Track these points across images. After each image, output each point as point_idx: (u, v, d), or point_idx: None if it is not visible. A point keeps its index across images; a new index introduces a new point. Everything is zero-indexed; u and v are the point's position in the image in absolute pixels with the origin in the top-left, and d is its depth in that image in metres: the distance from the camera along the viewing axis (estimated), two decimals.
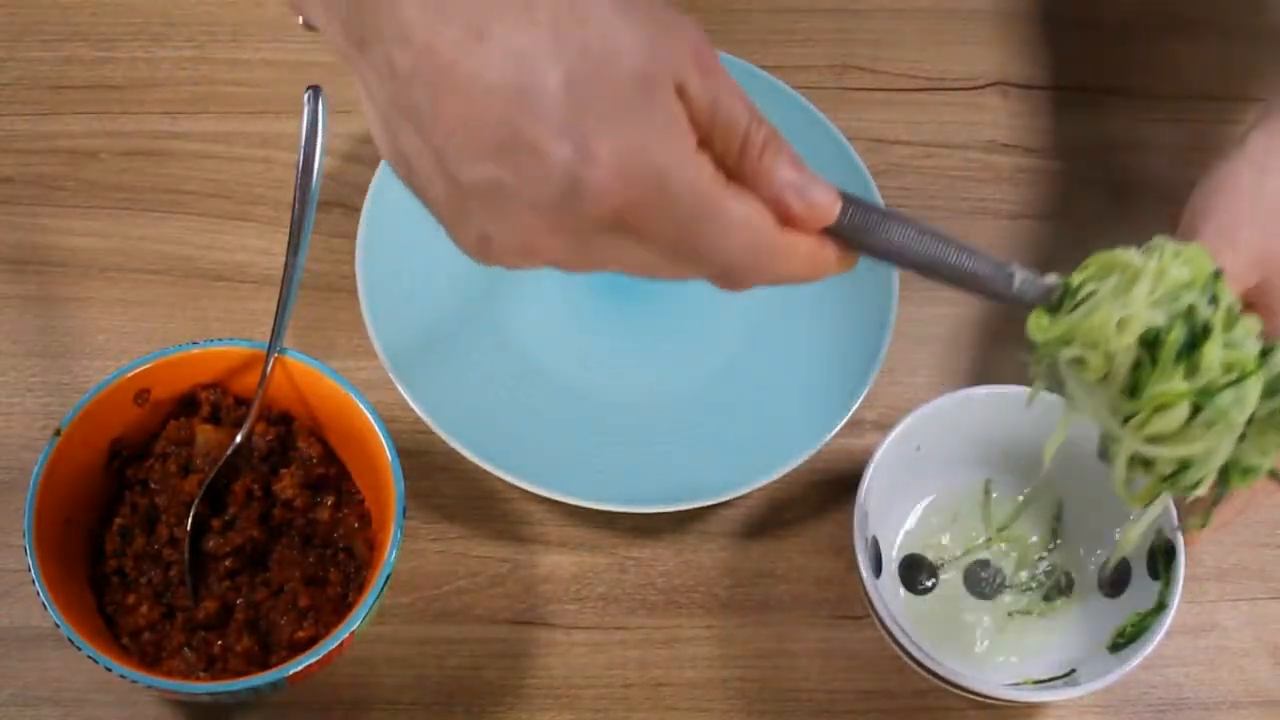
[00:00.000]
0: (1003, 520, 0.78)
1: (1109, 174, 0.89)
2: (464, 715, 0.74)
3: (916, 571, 0.77)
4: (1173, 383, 0.55)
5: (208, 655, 0.70)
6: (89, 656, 0.65)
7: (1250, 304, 0.68)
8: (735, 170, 0.52)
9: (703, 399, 0.80)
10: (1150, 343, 0.55)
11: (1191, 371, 0.55)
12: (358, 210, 0.80)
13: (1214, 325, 0.55)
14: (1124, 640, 0.71)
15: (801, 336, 0.81)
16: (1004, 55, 0.93)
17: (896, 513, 0.77)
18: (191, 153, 0.86)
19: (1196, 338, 0.55)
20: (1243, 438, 0.57)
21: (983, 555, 0.77)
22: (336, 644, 0.66)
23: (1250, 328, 0.57)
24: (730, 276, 0.52)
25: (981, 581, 0.77)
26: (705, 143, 0.51)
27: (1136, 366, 0.56)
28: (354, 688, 0.74)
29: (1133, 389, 0.56)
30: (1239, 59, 0.93)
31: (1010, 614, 0.76)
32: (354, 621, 0.66)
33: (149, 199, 0.85)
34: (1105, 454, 0.59)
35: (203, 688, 0.67)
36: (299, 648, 0.69)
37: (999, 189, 0.89)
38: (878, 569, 0.74)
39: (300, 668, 0.65)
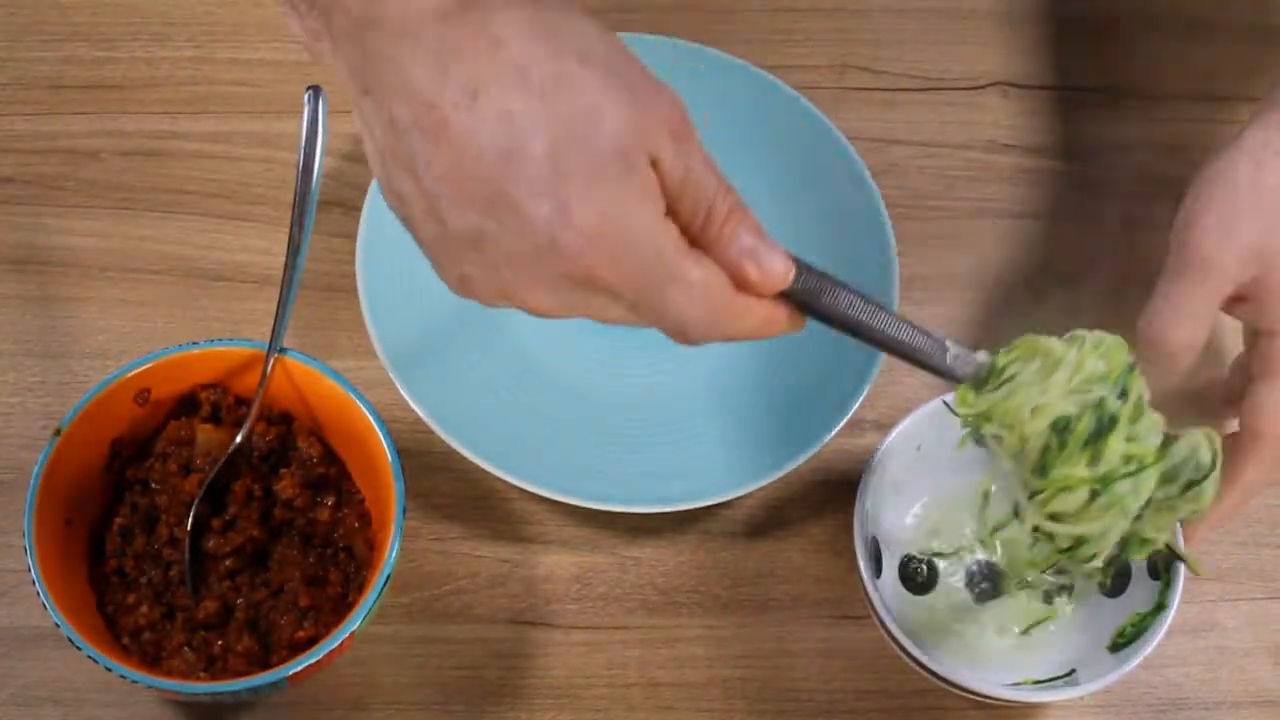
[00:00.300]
0: (1002, 520, 0.77)
1: (1109, 174, 0.89)
2: (464, 715, 0.74)
3: (916, 571, 0.77)
4: (1076, 468, 0.60)
5: (208, 655, 0.70)
6: (89, 656, 0.65)
7: (1243, 296, 0.69)
8: (700, 236, 0.56)
9: (703, 399, 0.80)
10: (1061, 429, 0.60)
11: (1095, 459, 0.60)
12: (358, 210, 0.80)
13: (1120, 418, 0.60)
14: (1124, 640, 0.71)
15: (802, 336, 0.81)
16: (1004, 55, 0.93)
17: (896, 513, 0.77)
18: (191, 153, 0.86)
19: (1103, 428, 0.60)
20: (1141, 516, 0.62)
21: (982, 555, 0.77)
22: (336, 644, 0.66)
23: (1155, 422, 0.61)
24: (686, 333, 0.56)
25: (981, 581, 0.77)
26: (674, 209, 0.55)
27: (1046, 449, 0.61)
28: (354, 688, 0.74)
29: (1042, 468, 0.61)
30: (1239, 59, 0.93)
31: (1010, 614, 0.76)
32: (354, 621, 0.66)
33: (149, 199, 0.85)
34: (1016, 515, 0.66)
35: (203, 688, 0.67)
36: (299, 648, 0.69)
37: (999, 189, 0.89)
38: (878, 569, 0.74)
39: (300, 668, 0.65)
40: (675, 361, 0.81)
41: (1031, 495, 0.62)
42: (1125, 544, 0.64)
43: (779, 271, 0.56)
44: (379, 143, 0.54)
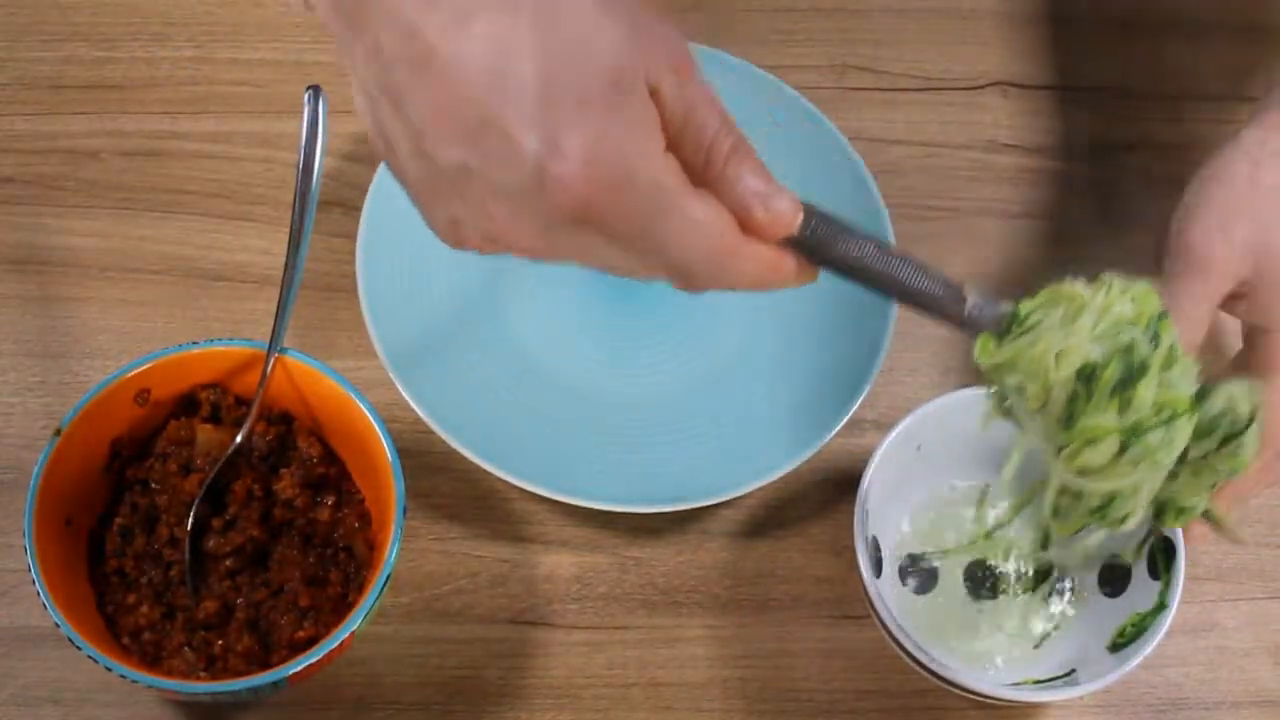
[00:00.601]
0: (1002, 519, 0.78)
1: (1109, 174, 0.89)
2: (464, 715, 0.74)
3: (916, 571, 0.77)
4: (1105, 418, 0.57)
5: (208, 655, 0.70)
6: (89, 656, 0.65)
7: (1239, 295, 0.68)
8: (702, 175, 0.52)
9: (703, 399, 0.80)
10: (1087, 376, 0.57)
11: (1124, 407, 0.57)
12: (358, 210, 0.80)
13: (1151, 364, 0.57)
14: (1124, 640, 0.71)
15: (801, 336, 0.81)
16: (1004, 55, 0.93)
17: (896, 513, 0.77)
18: (191, 153, 0.86)
19: (1133, 375, 0.56)
20: (1176, 476, 0.59)
21: (982, 555, 0.77)
22: (337, 644, 0.66)
23: (1189, 369, 0.58)
24: (689, 277, 0.53)
25: (981, 581, 0.77)
26: (675, 145, 0.52)
27: (1073, 398, 0.57)
28: (354, 688, 0.74)
29: (1068, 419, 0.57)
30: (1239, 59, 0.93)
31: (1010, 613, 0.76)
32: (354, 621, 0.66)
33: (149, 199, 0.85)
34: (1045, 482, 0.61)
35: (203, 688, 0.67)
36: (299, 647, 0.69)
37: (999, 189, 0.89)
38: (878, 569, 0.74)
39: (301, 667, 0.65)
40: (675, 361, 0.81)
41: (1058, 451, 0.58)
42: (1161, 512, 0.61)
43: (786, 213, 0.53)
44: (365, 81, 0.52)
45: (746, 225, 0.53)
